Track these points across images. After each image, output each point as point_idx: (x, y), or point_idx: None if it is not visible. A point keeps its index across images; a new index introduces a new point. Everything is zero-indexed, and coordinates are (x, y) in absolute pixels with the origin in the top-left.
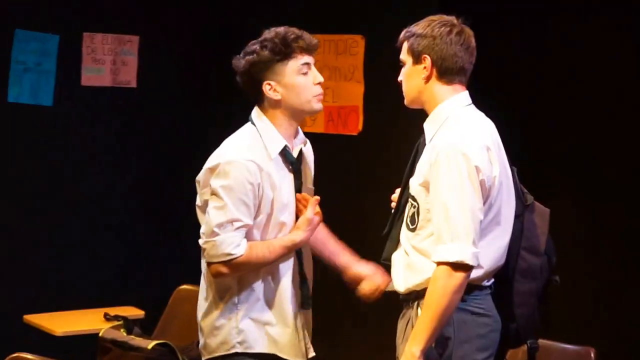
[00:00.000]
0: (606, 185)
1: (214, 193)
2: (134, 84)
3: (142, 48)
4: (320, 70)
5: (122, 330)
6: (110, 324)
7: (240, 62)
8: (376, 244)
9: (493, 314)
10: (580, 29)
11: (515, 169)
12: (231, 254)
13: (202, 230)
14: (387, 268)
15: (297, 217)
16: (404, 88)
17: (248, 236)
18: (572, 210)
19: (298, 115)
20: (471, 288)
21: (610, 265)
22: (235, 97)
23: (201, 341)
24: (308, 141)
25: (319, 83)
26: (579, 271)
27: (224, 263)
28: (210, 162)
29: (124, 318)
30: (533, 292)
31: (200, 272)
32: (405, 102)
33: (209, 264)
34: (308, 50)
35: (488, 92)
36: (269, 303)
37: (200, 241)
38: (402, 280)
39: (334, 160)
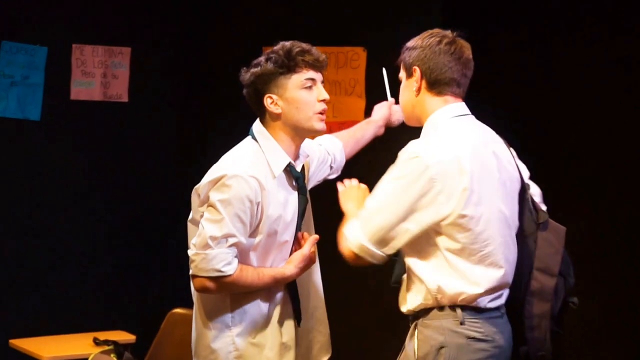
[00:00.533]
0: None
1: (211, 205)
2: (125, 98)
3: (134, 60)
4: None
5: (112, 355)
6: (100, 349)
7: (245, 75)
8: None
9: (494, 338)
10: (590, 37)
11: (529, 185)
12: (221, 271)
13: (193, 241)
14: (398, 290)
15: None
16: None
17: (245, 256)
18: (585, 229)
19: (299, 132)
20: (468, 309)
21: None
22: (230, 111)
23: None
24: (310, 149)
25: (324, 100)
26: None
27: (211, 279)
28: (211, 175)
29: (114, 342)
30: (546, 315)
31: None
32: (404, 120)
33: (194, 276)
34: (314, 66)
35: (492, 102)
36: (264, 323)
37: (190, 252)
38: (404, 302)
39: (333, 179)
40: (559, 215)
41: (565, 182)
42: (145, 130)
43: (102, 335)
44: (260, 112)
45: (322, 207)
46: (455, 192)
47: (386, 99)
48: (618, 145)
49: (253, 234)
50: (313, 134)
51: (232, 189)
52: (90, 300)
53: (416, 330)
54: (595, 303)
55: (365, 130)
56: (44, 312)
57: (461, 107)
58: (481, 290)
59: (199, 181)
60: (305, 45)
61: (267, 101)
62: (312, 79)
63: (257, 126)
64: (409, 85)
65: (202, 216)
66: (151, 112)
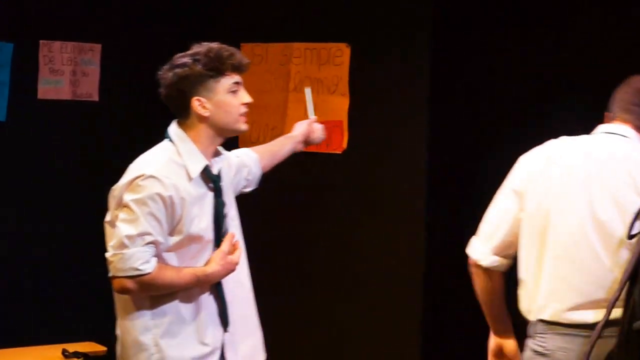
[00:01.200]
0: None
1: (125, 206)
2: (95, 97)
3: (105, 57)
4: (301, 82)
5: None
6: None
7: (167, 74)
8: (362, 268)
9: (557, 355)
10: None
11: None
12: (139, 270)
13: (110, 243)
14: None
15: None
16: None
17: (166, 258)
18: None
19: (223, 134)
20: (537, 322)
21: None
22: None
23: None
24: (227, 157)
25: (247, 104)
26: None
27: (130, 278)
28: (126, 176)
29: (84, 354)
30: None
31: None
32: None
33: (113, 277)
34: (239, 69)
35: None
36: (186, 325)
37: (107, 254)
38: None
39: (315, 181)
40: None
41: None
42: (117, 131)
43: (72, 347)
44: (182, 113)
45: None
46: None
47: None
48: None
49: (171, 234)
50: (237, 134)
51: (147, 189)
52: (59, 310)
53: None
54: None
55: (283, 145)
56: (9, 322)
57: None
58: (546, 304)
59: None
60: (231, 48)
61: (195, 103)
62: (238, 83)
63: (174, 129)
64: None
65: (115, 216)
66: (123, 112)
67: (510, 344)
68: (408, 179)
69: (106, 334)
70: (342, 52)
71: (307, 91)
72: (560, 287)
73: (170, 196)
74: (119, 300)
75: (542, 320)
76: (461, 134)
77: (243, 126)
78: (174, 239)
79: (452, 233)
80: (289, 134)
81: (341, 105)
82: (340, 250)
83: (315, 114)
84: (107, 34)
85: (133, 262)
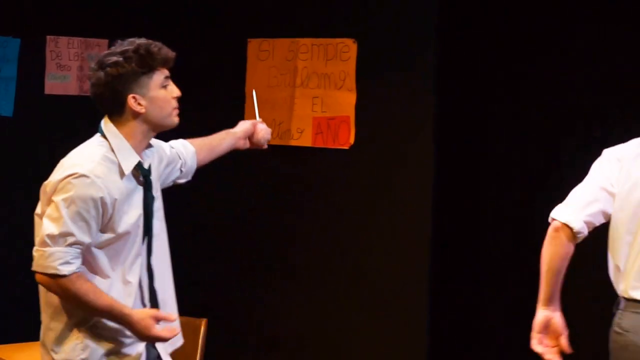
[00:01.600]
0: None
1: (54, 203)
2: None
3: None
4: (308, 78)
5: None
6: None
7: (99, 74)
8: (368, 261)
9: (631, 332)
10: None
11: None
12: (57, 269)
13: (36, 237)
14: None
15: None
16: None
17: (94, 255)
18: None
19: (156, 129)
20: (621, 299)
21: None
22: (210, 103)
23: (44, 356)
24: (159, 148)
25: (176, 97)
26: None
27: (49, 277)
28: (58, 172)
29: None
30: None
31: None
32: None
33: (35, 272)
34: (169, 63)
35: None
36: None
37: (33, 250)
38: None
39: (322, 177)
40: None
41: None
42: None
43: None
44: (115, 111)
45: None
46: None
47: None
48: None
49: (102, 231)
50: (170, 128)
51: (77, 188)
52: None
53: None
54: None
55: (223, 140)
56: (12, 319)
57: None
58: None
59: None
60: (158, 43)
61: (131, 101)
62: (168, 77)
63: (106, 125)
64: None
65: (43, 211)
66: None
67: (558, 317)
68: (415, 173)
69: None
70: (349, 48)
71: (254, 94)
72: None
73: (102, 197)
74: (42, 289)
75: (625, 298)
76: (468, 129)
77: (175, 120)
78: (105, 237)
79: (458, 227)
80: (229, 130)
81: (348, 100)
82: (347, 243)
83: (323, 109)
84: (113, 30)
85: (52, 261)
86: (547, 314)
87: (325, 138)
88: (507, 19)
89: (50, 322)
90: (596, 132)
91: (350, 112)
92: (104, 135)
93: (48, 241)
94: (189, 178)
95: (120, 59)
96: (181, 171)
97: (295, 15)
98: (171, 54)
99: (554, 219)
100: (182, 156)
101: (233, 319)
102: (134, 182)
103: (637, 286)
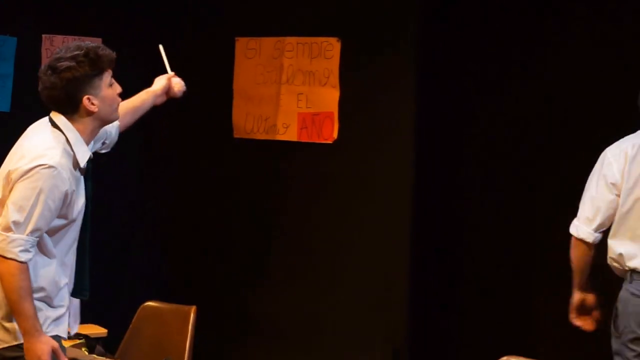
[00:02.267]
0: None
1: (21, 192)
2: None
3: None
4: (293, 75)
5: (83, 349)
6: (71, 343)
7: (53, 78)
8: (351, 255)
9: None
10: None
11: None
12: (17, 256)
13: None
14: None
15: None
16: None
17: (41, 237)
18: None
19: (103, 124)
20: (632, 274)
21: None
22: (203, 100)
23: None
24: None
25: (119, 93)
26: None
27: (3, 258)
28: (27, 162)
29: (86, 336)
30: None
31: (167, 287)
32: None
33: None
34: (113, 63)
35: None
36: (59, 289)
37: None
38: None
39: (307, 170)
40: None
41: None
42: None
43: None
44: (69, 110)
45: None
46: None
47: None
48: None
49: (59, 217)
50: (112, 122)
51: (46, 179)
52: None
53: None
54: None
55: (144, 100)
56: None
57: None
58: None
59: (173, 173)
60: (101, 45)
61: (86, 102)
62: (112, 76)
63: (60, 120)
64: None
65: (5, 196)
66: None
67: (591, 297)
68: (396, 167)
69: (106, 317)
70: (332, 46)
71: (161, 48)
72: None
73: (66, 190)
74: None
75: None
76: (448, 124)
77: (117, 115)
78: (58, 223)
79: (439, 220)
80: (148, 89)
81: (332, 96)
82: (330, 233)
83: (308, 105)
84: (106, 28)
85: (13, 247)
86: (581, 295)
87: (310, 133)
88: (489, 17)
89: (5, 302)
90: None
91: (334, 108)
92: (57, 128)
93: (13, 227)
94: (110, 149)
95: (73, 63)
96: (103, 144)
97: (281, 15)
98: (114, 55)
99: (573, 236)
100: (107, 130)
101: (221, 306)
102: (79, 172)
103: None
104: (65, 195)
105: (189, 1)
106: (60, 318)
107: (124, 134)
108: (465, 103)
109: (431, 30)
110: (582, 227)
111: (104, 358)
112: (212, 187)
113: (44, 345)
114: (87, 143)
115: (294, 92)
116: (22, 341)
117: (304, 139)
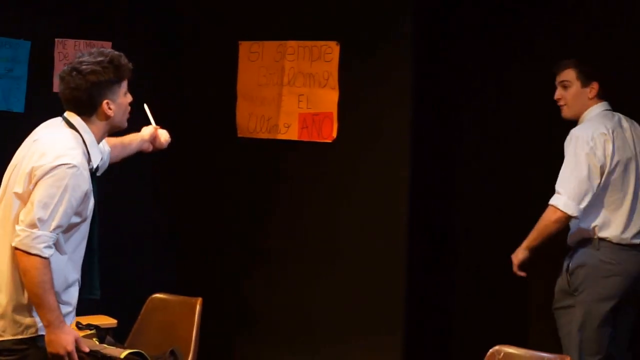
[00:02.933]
0: None
1: (47, 189)
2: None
3: None
4: (294, 77)
5: (94, 339)
6: (82, 333)
7: (77, 79)
8: (351, 251)
9: (622, 264)
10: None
11: None
12: (41, 252)
13: (21, 217)
14: None
15: None
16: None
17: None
18: None
19: (113, 130)
20: (600, 242)
21: None
22: (204, 102)
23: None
24: None
25: (130, 103)
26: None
27: (28, 255)
28: (48, 159)
29: (96, 327)
30: None
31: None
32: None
33: (16, 248)
34: (130, 73)
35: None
36: (67, 285)
37: (18, 227)
38: None
39: (308, 168)
40: None
41: None
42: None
43: (84, 320)
44: (86, 112)
45: None
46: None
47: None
48: None
49: (75, 214)
50: (120, 130)
51: (70, 178)
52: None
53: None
54: None
55: (132, 140)
56: None
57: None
58: (609, 233)
59: (180, 170)
60: (123, 55)
61: (105, 105)
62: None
63: (77, 121)
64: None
65: (30, 195)
66: (131, 103)
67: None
68: (394, 165)
69: (116, 308)
70: (332, 50)
71: (145, 107)
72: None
73: (87, 189)
74: (11, 265)
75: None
76: (442, 124)
77: (126, 124)
78: (73, 220)
79: (436, 217)
80: (138, 133)
81: (331, 97)
82: (330, 230)
83: (309, 106)
84: (116, 33)
85: (38, 243)
86: (527, 254)
87: (310, 132)
88: (485, 20)
89: (17, 291)
90: None
91: (333, 109)
92: (73, 128)
93: (38, 224)
94: (100, 173)
95: (99, 68)
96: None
97: (283, 19)
98: (131, 66)
99: (556, 208)
100: (102, 154)
101: (226, 298)
102: (90, 179)
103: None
104: (85, 194)
105: (195, 7)
106: (66, 316)
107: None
108: (461, 103)
109: (427, 34)
110: (571, 203)
111: (114, 348)
112: (217, 184)
113: (68, 336)
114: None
115: (295, 94)
116: (28, 335)
117: (305, 138)
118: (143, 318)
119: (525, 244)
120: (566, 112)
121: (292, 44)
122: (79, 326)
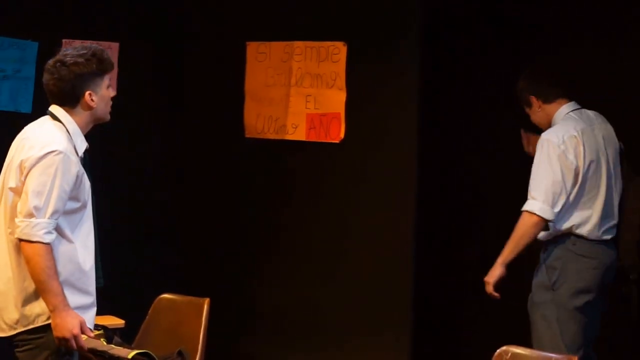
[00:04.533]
0: None
1: (38, 178)
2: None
3: (122, 55)
4: (302, 78)
5: (101, 339)
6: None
7: (61, 70)
8: (358, 250)
9: (597, 257)
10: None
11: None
12: (42, 238)
13: (19, 209)
14: None
15: None
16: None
17: (61, 221)
18: None
19: (96, 121)
20: (577, 238)
21: None
22: (213, 102)
23: (11, 315)
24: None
25: (112, 97)
26: None
27: (31, 244)
28: (36, 150)
29: (104, 327)
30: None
31: (182, 280)
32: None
33: (19, 239)
34: (113, 67)
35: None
36: (82, 272)
37: (17, 219)
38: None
39: (315, 168)
40: None
41: None
42: (133, 121)
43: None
44: (70, 103)
45: None
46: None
47: None
48: None
49: (70, 198)
50: (104, 122)
51: (59, 164)
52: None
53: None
54: None
55: None
56: None
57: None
58: (584, 228)
59: (188, 171)
60: (105, 50)
61: (87, 96)
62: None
63: (60, 112)
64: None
65: (22, 184)
66: (138, 104)
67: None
68: (401, 165)
69: (124, 309)
70: (339, 50)
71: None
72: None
73: (78, 170)
74: (14, 255)
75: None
76: (448, 124)
77: (109, 116)
78: (71, 205)
79: (442, 216)
80: None
81: (339, 98)
82: (337, 229)
83: (316, 106)
84: (124, 33)
85: (37, 231)
86: (503, 271)
87: (318, 133)
88: (491, 20)
89: (24, 282)
90: None
91: (341, 109)
92: (57, 120)
93: (34, 212)
94: None
95: (82, 60)
96: None
97: (290, 20)
98: (113, 62)
99: (532, 214)
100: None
101: (234, 298)
102: (80, 163)
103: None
104: (78, 177)
105: (203, 8)
106: (87, 308)
107: (141, 135)
108: (467, 103)
109: (433, 34)
110: (546, 208)
111: (122, 348)
112: (225, 184)
113: (74, 319)
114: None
115: (302, 94)
116: (40, 324)
117: (312, 139)
118: (151, 318)
119: (501, 259)
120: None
121: (299, 44)
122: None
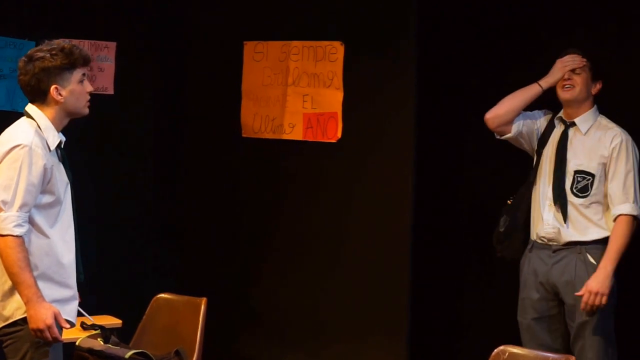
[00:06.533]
0: None
1: (4, 173)
2: (110, 91)
3: (119, 54)
4: (299, 77)
5: (99, 339)
6: (87, 333)
7: (28, 65)
8: (354, 250)
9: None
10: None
11: None
12: (12, 231)
13: None
14: None
15: None
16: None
17: (34, 216)
18: None
19: (71, 115)
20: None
21: None
22: (212, 103)
23: None
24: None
25: (90, 92)
26: None
27: (1, 236)
28: (4, 147)
29: (101, 327)
30: None
31: (179, 280)
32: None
33: None
34: (87, 62)
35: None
36: (60, 266)
37: None
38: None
39: (313, 168)
40: None
41: None
42: (129, 120)
43: (89, 320)
44: (39, 98)
45: None
46: None
47: None
48: None
49: (42, 192)
50: (81, 116)
51: (24, 157)
52: (78, 286)
53: (587, 254)
54: None
55: None
56: None
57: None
58: None
59: (185, 170)
60: (79, 46)
61: (53, 91)
62: (85, 74)
63: (32, 109)
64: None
65: None
66: (136, 103)
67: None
68: (398, 164)
69: (121, 308)
70: (336, 50)
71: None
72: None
73: (45, 164)
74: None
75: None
76: (446, 123)
77: (87, 110)
78: (45, 199)
79: (439, 216)
80: None
81: (336, 98)
82: (334, 229)
83: (313, 106)
84: (121, 33)
85: (7, 224)
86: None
87: (315, 132)
88: (488, 20)
89: (1, 279)
90: None
91: (338, 109)
92: (30, 117)
93: (3, 206)
94: None
95: (47, 54)
96: None
97: (288, 20)
98: (89, 55)
99: (634, 218)
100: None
101: (231, 298)
102: (56, 158)
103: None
104: (45, 170)
105: (200, 7)
106: (67, 301)
107: (139, 135)
108: (465, 103)
109: (431, 34)
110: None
111: (119, 348)
112: (222, 184)
113: (47, 311)
114: (58, 131)
115: (299, 94)
116: (18, 317)
117: (309, 138)
118: (148, 318)
119: (610, 268)
120: (573, 93)
121: (296, 44)
122: (84, 326)
